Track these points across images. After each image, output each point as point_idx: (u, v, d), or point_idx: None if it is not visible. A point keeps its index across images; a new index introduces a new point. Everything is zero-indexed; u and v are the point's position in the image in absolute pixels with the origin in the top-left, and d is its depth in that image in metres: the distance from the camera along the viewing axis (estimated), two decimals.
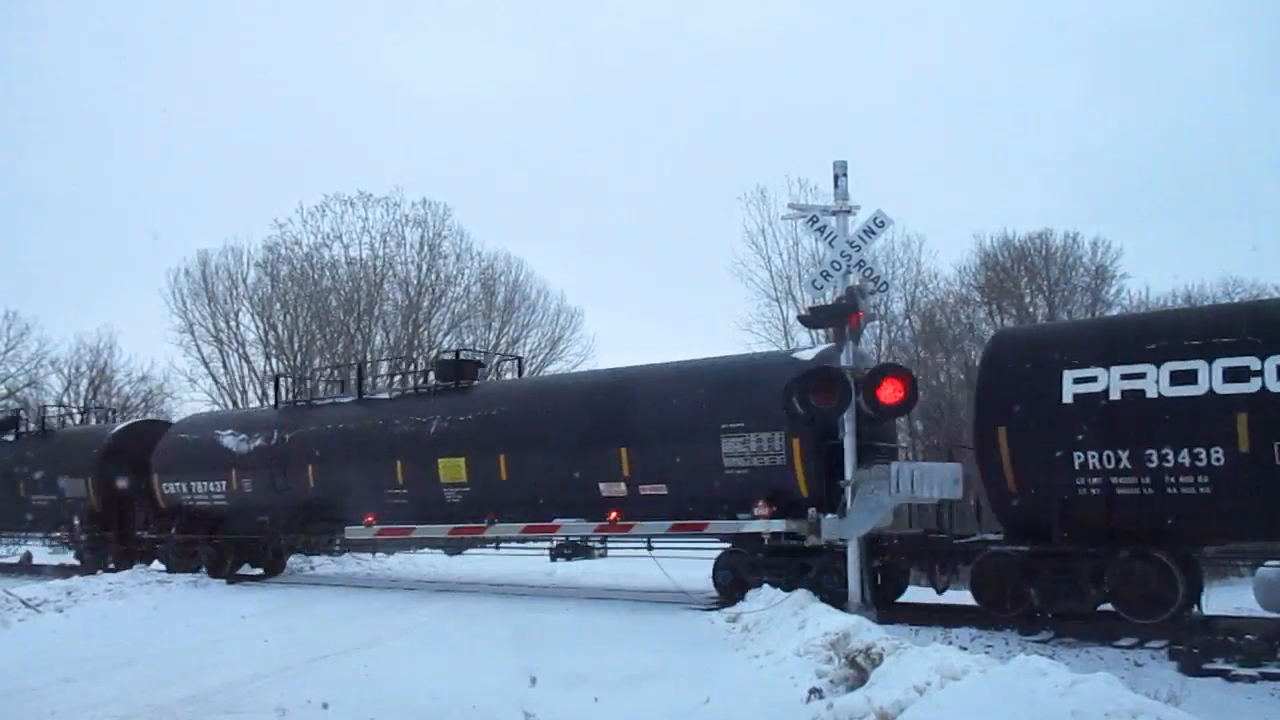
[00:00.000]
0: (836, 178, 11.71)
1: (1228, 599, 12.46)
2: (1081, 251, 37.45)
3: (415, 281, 41.19)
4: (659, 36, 78.91)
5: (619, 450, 14.33)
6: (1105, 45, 66.01)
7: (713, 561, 14.14)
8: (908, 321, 36.83)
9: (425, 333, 41.10)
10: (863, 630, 8.87)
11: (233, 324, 41.22)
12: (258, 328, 41.30)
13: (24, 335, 43.52)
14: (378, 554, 22.75)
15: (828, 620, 9.72)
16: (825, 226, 11.73)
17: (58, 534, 23.16)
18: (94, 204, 67.65)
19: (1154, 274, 58.11)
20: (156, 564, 20.87)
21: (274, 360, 41.02)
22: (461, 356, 18.40)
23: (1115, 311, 34.16)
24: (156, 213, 62.74)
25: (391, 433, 17.23)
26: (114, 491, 21.63)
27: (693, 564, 15.32)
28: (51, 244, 65.70)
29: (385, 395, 18.49)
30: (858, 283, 11.56)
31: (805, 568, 12.68)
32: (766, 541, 12.97)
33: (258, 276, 41.29)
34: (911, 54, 69.68)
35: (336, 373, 23.29)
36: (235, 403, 39.54)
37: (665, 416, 14.12)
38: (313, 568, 21.92)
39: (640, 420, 14.33)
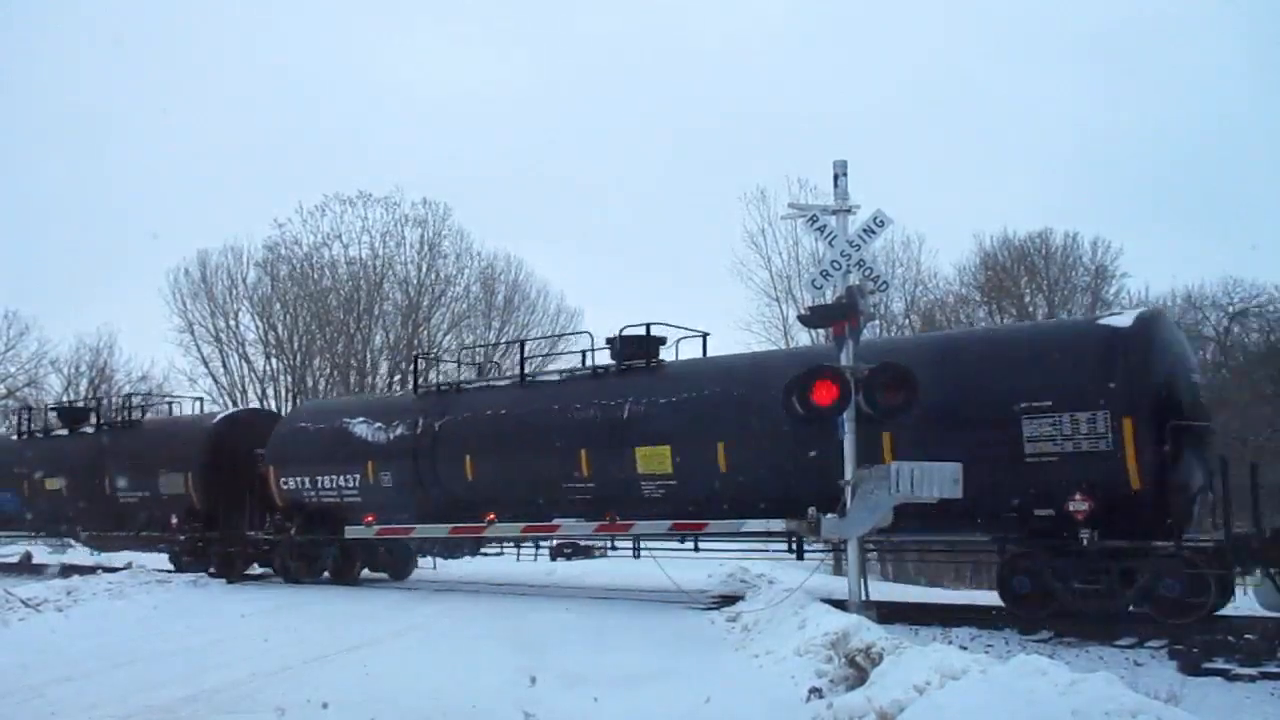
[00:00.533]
0: (836, 177, 11.69)
1: None
2: (1081, 251, 37.58)
3: (415, 281, 41.31)
4: (659, 37, 79.08)
5: (880, 436, 11.98)
6: (1104, 45, 66.16)
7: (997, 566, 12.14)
8: (908, 321, 36.86)
9: (425, 332, 41.15)
10: (863, 630, 8.87)
11: (233, 324, 41.38)
12: (258, 328, 41.47)
13: (24, 335, 43.79)
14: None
15: (828, 620, 9.73)
16: (825, 226, 11.70)
17: (147, 534, 21.02)
18: (94, 204, 68.06)
19: (1154, 274, 58.23)
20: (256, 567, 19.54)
21: (274, 360, 41.13)
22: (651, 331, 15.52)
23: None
24: (156, 213, 63.10)
25: (571, 418, 15.04)
26: (219, 487, 19.58)
27: (693, 564, 15.34)
28: (51, 244, 66.03)
29: (555, 376, 16.47)
30: (858, 282, 11.53)
31: (1129, 573, 10.88)
32: (1086, 541, 10.82)
33: (258, 276, 41.49)
34: (911, 54, 69.83)
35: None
36: (235, 402, 39.57)
37: (944, 395, 11.79)
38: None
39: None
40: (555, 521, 14.94)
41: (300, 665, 10.12)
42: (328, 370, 41.42)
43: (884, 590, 15.95)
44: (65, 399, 38.88)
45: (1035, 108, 65.61)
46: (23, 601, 14.90)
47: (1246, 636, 9.63)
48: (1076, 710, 5.64)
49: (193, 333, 41.21)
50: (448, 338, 41.56)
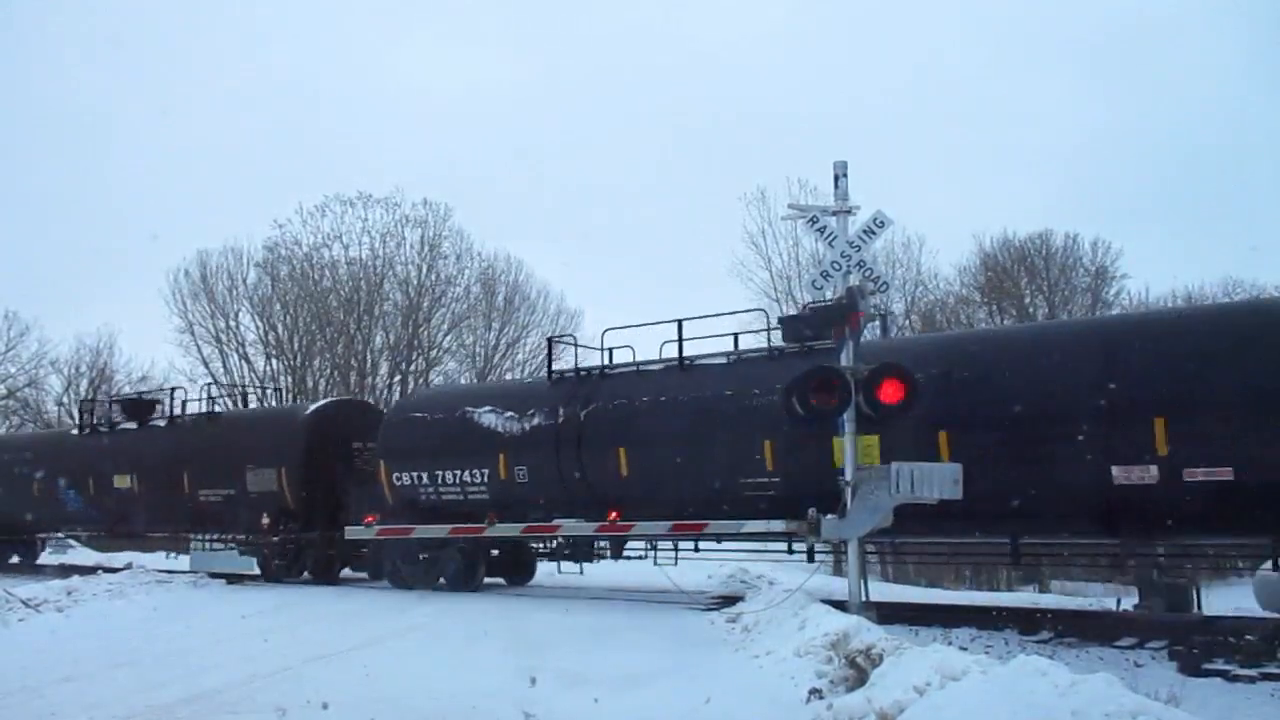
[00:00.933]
0: (836, 178, 11.69)
1: (1228, 599, 12.46)
2: (1081, 252, 37.70)
3: (415, 282, 41.33)
4: (659, 37, 79.14)
5: (1153, 421, 10.60)
6: (1104, 45, 66.18)
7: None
8: (908, 322, 36.89)
9: (425, 333, 41.17)
10: (863, 631, 8.87)
11: (233, 324, 41.37)
12: (258, 328, 41.48)
13: (24, 335, 43.78)
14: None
15: (828, 621, 9.72)
16: (825, 227, 11.70)
17: (230, 537, 19.58)
18: (94, 204, 68.07)
19: (1154, 274, 58.32)
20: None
21: (274, 360, 41.13)
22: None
23: (1116, 312, 34.16)
24: (156, 213, 63.17)
25: (749, 405, 13.34)
26: (314, 484, 18.31)
27: (693, 565, 15.33)
28: (51, 244, 66.05)
29: (721, 360, 14.66)
30: (858, 283, 11.53)
31: None
32: None
33: (258, 277, 41.51)
34: (911, 54, 69.89)
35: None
36: (235, 403, 39.57)
37: (1236, 374, 10.37)
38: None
39: (1186, 380, 10.59)
40: (555, 522, 14.94)
41: (300, 665, 10.13)
42: (328, 371, 41.44)
43: (884, 591, 15.95)
44: (65, 399, 38.89)
45: (1035, 108, 65.76)
46: (23, 601, 14.91)
47: (1246, 637, 9.63)
48: (1076, 711, 5.64)
49: (193, 333, 41.25)
50: (448, 338, 41.68)
